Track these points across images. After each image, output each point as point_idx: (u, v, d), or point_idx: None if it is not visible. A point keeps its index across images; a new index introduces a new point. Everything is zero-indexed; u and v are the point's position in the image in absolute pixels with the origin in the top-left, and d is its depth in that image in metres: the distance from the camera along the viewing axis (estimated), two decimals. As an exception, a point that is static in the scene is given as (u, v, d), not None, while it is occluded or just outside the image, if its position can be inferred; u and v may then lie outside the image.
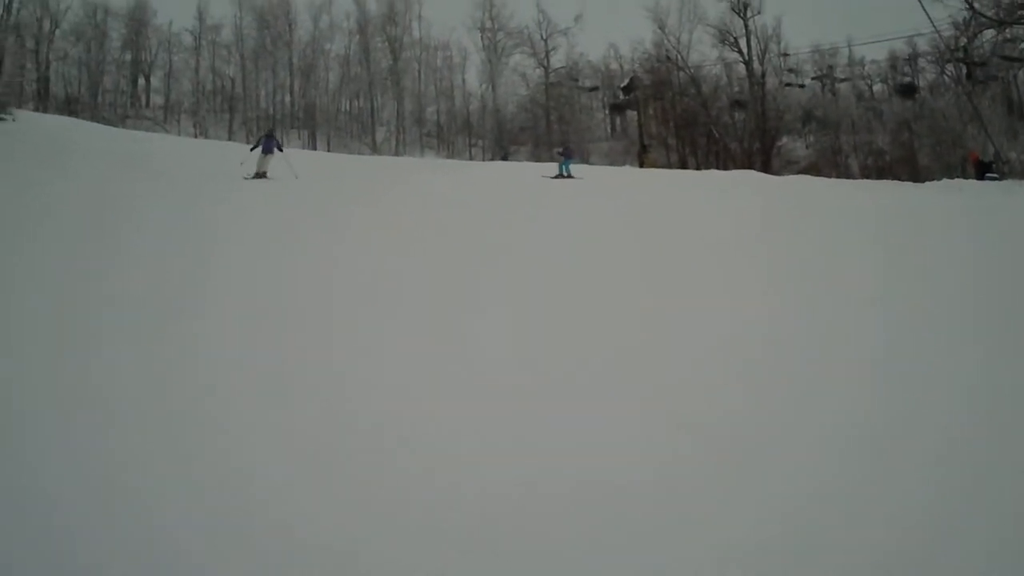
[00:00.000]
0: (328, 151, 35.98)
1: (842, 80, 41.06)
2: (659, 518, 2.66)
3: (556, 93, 40.22)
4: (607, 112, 42.06)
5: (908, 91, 40.62)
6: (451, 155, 38.22)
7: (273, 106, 38.36)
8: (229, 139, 35.41)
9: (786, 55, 40.41)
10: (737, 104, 39.81)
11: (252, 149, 14.45)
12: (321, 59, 38.97)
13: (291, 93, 38.60)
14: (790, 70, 41.01)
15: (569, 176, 20.15)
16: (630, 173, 26.23)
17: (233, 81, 38.37)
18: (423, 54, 39.71)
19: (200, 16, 38.17)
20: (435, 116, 39.78)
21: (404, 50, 39.39)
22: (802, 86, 40.86)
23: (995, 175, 23.97)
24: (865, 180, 35.26)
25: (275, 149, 14.33)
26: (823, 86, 41.05)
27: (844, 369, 4.42)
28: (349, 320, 5.26)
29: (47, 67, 35.77)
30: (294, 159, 15.07)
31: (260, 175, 13.94)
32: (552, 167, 21.78)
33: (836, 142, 41.49)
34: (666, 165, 38.59)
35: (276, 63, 38.54)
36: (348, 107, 39.47)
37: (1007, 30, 34.47)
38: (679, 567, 2.40)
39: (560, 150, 23.78)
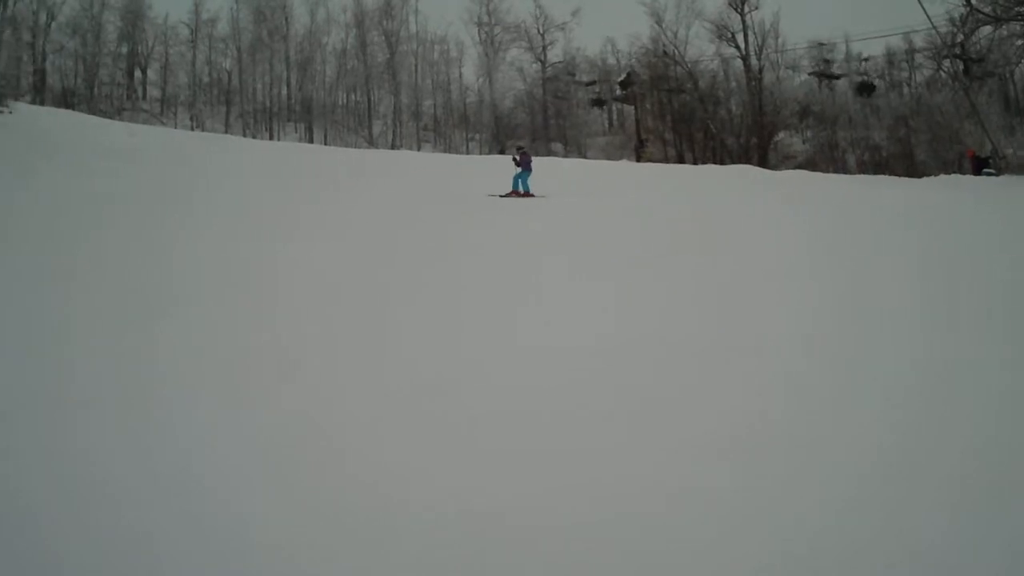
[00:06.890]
0: (325, 144, 36.00)
1: (839, 76, 41.05)
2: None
3: (553, 88, 40.21)
4: (604, 107, 42.06)
5: (866, 89, 40.53)
6: (448, 149, 38.24)
7: (269, 99, 38.33)
8: (226, 131, 35.42)
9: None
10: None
11: None
12: (318, 52, 39.00)
13: (288, 86, 38.62)
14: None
15: (521, 193, 13.95)
16: (628, 168, 26.08)
17: (230, 74, 38.35)
18: (420, 48, 39.75)
19: (196, 9, 38.20)
20: (432, 110, 39.78)
21: (401, 44, 39.38)
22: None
23: (992, 171, 23.89)
24: (861, 176, 35.13)
25: None
26: (820, 81, 41.03)
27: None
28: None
29: (43, 59, 35.70)
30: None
31: None
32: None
33: (833, 137, 41.60)
34: (663, 160, 38.63)
35: (273, 56, 38.54)
36: (345, 101, 39.47)
37: (1004, 27, 34.35)
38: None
39: (515, 153, 15.84)
